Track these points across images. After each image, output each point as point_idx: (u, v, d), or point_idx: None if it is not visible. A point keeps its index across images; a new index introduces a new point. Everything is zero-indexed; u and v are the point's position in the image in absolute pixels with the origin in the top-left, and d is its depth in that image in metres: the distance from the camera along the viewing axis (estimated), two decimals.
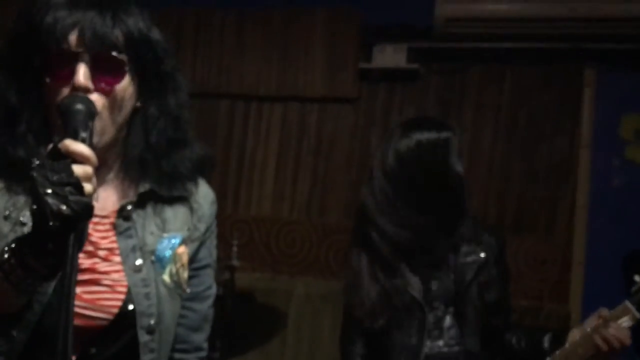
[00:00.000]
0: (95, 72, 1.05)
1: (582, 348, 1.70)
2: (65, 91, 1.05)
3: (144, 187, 1.14)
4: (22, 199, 1.07)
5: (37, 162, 0.88)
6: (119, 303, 1.09)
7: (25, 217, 1.04)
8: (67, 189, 0.86)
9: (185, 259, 1.18)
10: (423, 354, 1.78)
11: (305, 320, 3.25)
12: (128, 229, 1.13)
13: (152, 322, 1.12)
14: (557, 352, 1.72)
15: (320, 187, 3.37)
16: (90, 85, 1.04)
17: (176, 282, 1.16)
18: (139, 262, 1.13)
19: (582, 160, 3.08)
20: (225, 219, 3.41)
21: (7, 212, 1.05)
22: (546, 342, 1.77)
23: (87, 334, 1.08)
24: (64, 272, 0.89)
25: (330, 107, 3.37)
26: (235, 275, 2.94)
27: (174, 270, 1.16)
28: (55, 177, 0.87)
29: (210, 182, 1.29)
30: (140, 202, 1.15)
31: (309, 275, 3.31)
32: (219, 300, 2.94)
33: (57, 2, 1.07)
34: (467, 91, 3.22)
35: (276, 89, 3.40)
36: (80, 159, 0.91)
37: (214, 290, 1.30)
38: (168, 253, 1.16)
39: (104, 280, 1.09)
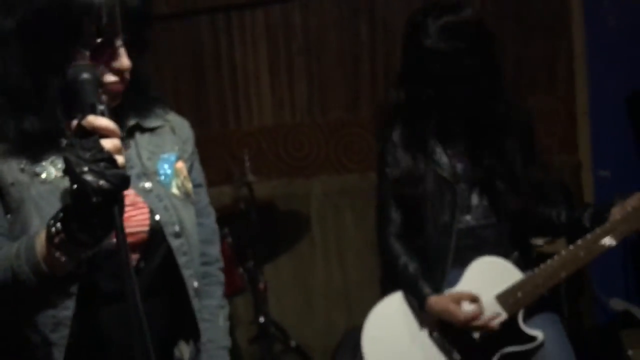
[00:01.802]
0: (129, 50, 1.10)
1: (624, 225, 1.72)
2: (105, 70, 1.10)
3: (130, 121, 1.23)
4: (32, 157, 1.12)
5: (66, 142, 0.93)
6: (147, 216, 1.20)
7: (39, 167, 1.12)
8: (102, 164, 0.91)
9: (185, 171, 1.29)
10: (455, 229, 1.86)
11: (327, 217, 3.34)
12: (127, 160, 1.19)
13: (176, 228, 1.22)
14: (598, 230, 1.74)
15: (318, 86, 3.34)
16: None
17: (185, 193, 1.27)
18: (147, 184, 1.22)
19: (574, 7, 3.03)
20: (231, 136, 3.43)
21: (21, 166, 1.11)
22: (586, 219, 1.82)
23: (132, 251, 1.16)
24: (117, 239, 0.95)
25: (312, 3, 3.28)
26: (253, 188, 3.00)
27: (179, 183, 1.27)
28: (87, 155, 0.91)
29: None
30: (130, 135, 1.24)
31: (323, 174, 3.36)
32: (243, 215, 3.05)
33: None
34: None
35: None
36: (106, 133, 0.95)
37: (211, 208, 1.42)
38: (169, 170, 1.26)
39: (125, 201, 1.15)
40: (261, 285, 2.95)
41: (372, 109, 3.25)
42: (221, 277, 1.43)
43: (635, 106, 2.95)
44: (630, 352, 2.52)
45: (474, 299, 1.81)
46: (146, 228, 1.19)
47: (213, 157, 3.33)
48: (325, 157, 3.36)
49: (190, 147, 1.34)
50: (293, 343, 3.13)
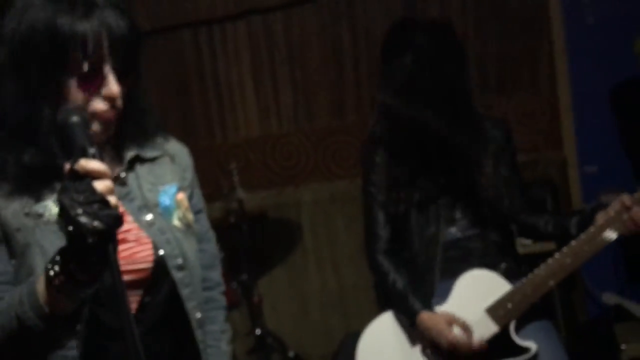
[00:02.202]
0: (118, 76, 1.11)
1: (587, 246, 1.75)
2: (92, 97, 1.10)
3: (130, 153, 1.25)
4: (34, 196, 1.14)
5: (60, 186, 0.96)
6: (151, 251, 1.21)
7: (41, 207, 1.13)
8: (95, 205, 0.94)
9: (186, 203, 1.31)
10: (441, 241, 1.89)
11: (319, 225, 3.36)
12: (128, 193, 1.23)
13: (179, 261, 1.24)
14: (582, 236, 1.76)
15: (303, 95, 3.36)
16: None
17: (186, 224, 1.29)
18: (149, 217, 1.23)
19: (552, 5, 3.05)
20: (218, 148, 3.44)
21: (26, 210, 1.13)
22: (573, 226, 1.84)
23: (137, 286, 1.20)
24: (112, 274, 0.97)
25: (293, 12, 3.29)
26: (243, 200, 3.01)
27: (180, 215, 1.28)
28: (81, 198, 0.94)
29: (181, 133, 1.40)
30: (130, 167, 1.25)
31: (312, 182, 3.38)
32: (234, 228, 3.06)
33: (74, 4, 1.07)
34: None
35: (234, 6, 3.31)
36: (98, 175, 0.97)
37: (212, 232, 1.44)
38: (170, 201, 1.27)
39: (129, 237, 1.20)
40: (256, 298, 2.96)
41: (358, 115, 3.27)
42: (223, 301, 1.44)
43: (618, 100, 2.98)
44: (623, 347, 2.56)
45: (466, 328, 1.82)
46: (150, 264, 1.21)
47: (201, 171, 3.25)
48: (314, 165, 3.38)
49: (189, 174, 1.35)
50: (291, 353, 3.14)
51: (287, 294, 3.40)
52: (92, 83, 1.09)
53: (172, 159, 1.32)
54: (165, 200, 1.26)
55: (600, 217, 1.75)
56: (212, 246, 1.43)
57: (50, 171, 1.11)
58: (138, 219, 1.22)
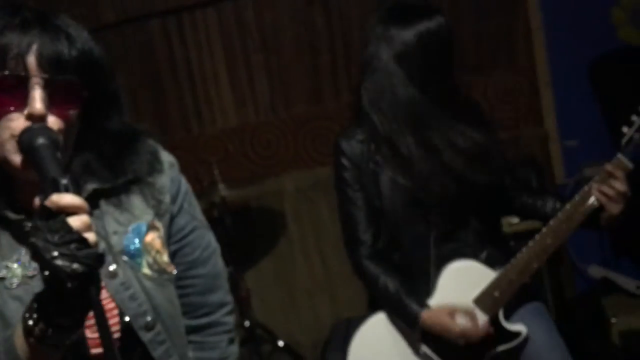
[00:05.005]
0: (51, 98, 0.99)
1: (565, 224, 1.76)
2: (16, 116, 0.99)
3: (87, 190, 1.10)
4: None
5: (31, 226, 0.86)
6: (117, 319, 1.10)
7: (4, 269, 1.02)
8: (72, 246, 0.84)
9: (158, 243, 1.16)
10: (432, 237, 1.84)
11: (303, 213, 3.32)
12: None
13: (148, 319, 1.12)
14: (559, 214, 1.77)
15: (279, 82, 3.28)
16: (46, 112, 0.99)
17: (158, 270, 1.15)
18: (112, 267, 1.11)
19: None
20: (195, 141, 3.36)
21: None
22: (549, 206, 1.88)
23: None
24: (96, 318, 0.90)
25: None
26: (225, 193, 2.96)
27: (150, 261, 1.14)
28: (56, 238, 0.84)
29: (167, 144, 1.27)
30: (92, 205, 1.07)
31: (293, 170, 3.32)
32: (217, 222, 3.00)
33: (7, 23, 0.99)
34: None
35: None
36: (73, 210, 0.87)
37: (214, 247, 1.29)
38: (137, 247, 1.13)
39: None
40: (244, 293, 2.93)
41: (336, 100, 3.21)
42: (228, 324, 1.31)
43: (597, 72, 2.97)
44: (614, 320, 2.58)
45: (468, 313, 1.80)
46: (118, 334, 1.10)
47: (179, 165, 3.26)
48: (294, 152, 3.32)
49: (167, 196, 1.19)
50: (281, 342, 3.13)
51: (274, 284, 3.37)
52: (16, 98, 0.98)
53: (145, 184, 1.16)
54: (132, 244, 1.12)
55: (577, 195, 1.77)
56: (210, 267, 1.27)
57: (6, 224, 0.99)
58: (101, 269, 1.07)
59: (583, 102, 2.99)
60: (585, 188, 1.77)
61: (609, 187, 1.71)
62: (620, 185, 1.70)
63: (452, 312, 1.79)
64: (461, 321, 1.79)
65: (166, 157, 1.23)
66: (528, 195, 1.94)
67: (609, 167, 1.73)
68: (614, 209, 1.72)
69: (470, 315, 1.80)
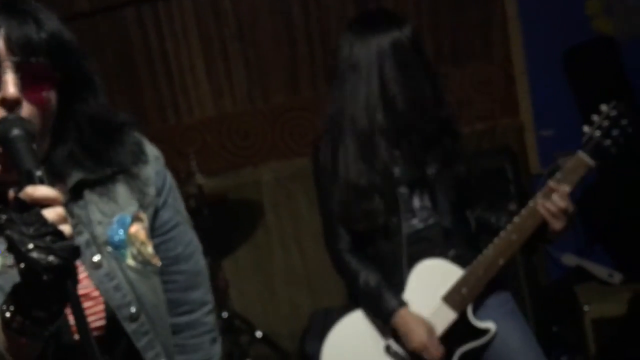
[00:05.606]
0: (23, 82, 0.98)
1: (530, 220, 1.78)
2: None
3: (73, 179, 1.09)
4: None
5: (5, 218, 0.85)
6: (102, 307, 1.09)
7: None
8: (48, 238, 0.84)
9: (142, 234, 1.15)
10: (405, 234, 1.86)
11: (280, 203, 3.32)
12: (75, 225, 1.06)
13: (132, 310, 1.11)
14: (523, 211, 1.79)
15: (256, 72, 3.27)
16: (20, 95, 0.97)
17: (142, 262, 1.14)
18: (96, 258, 1.10)
19: None
20: (172, 131, 3.34)
21: None
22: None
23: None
24: (74, 311, 0.89)
25: None
26: (202, 184, 2.94)
27: (135, 252, 1.14)
28: (31, 230, 0.84)
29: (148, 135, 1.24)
30: (76, 195, 1.10)
31: (271, 161, 3.32)
32: (195, 212, 2.99)
33: None
34: None
35: None
36: (47, 202, 0.87)
37: (196, 244, 1.28)
38: (122, 238, 1.12)
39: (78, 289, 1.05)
40: (222, 283, 2.92)
41: (314, 90, 3.21)
42: (209, 323, 1.29)
43: (572, 62, 3.00)
44: (586, 308, 2.62)
45: (430, 331, 1.82)
46: (103, 322, 1.10)
47: None
48: (272, 143, 3.32)
49: (152, 188, 1.17)
50: (259, 333, 3.13)
51: (252, 275, 3.37)
52: None
53: (130, 175, 1.15)
54: (116, 235, 1.11)
55: (539, 196, 1.77)
56: (193, 263, 1.25)
57: None
58: (84, 260, 1.08)
59: (559, 91, 3.02)
60: (530, 203, 1.77)
61: (551, 203, 1.72)
62: (561, 202, 1.70)
63: (430, 329, 1.81)
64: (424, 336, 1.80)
65: (151, 150, 1.22)
66: (483, 209, 1.96)
67: (551, 183, 1.74)
68: (556, 225, 1.73)
69: (430, 332, 1.82)
